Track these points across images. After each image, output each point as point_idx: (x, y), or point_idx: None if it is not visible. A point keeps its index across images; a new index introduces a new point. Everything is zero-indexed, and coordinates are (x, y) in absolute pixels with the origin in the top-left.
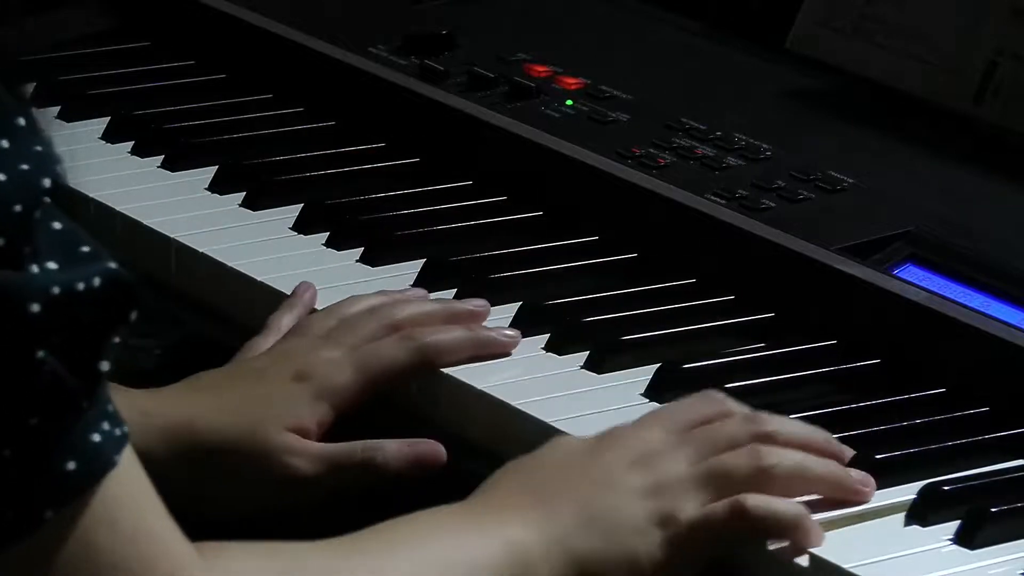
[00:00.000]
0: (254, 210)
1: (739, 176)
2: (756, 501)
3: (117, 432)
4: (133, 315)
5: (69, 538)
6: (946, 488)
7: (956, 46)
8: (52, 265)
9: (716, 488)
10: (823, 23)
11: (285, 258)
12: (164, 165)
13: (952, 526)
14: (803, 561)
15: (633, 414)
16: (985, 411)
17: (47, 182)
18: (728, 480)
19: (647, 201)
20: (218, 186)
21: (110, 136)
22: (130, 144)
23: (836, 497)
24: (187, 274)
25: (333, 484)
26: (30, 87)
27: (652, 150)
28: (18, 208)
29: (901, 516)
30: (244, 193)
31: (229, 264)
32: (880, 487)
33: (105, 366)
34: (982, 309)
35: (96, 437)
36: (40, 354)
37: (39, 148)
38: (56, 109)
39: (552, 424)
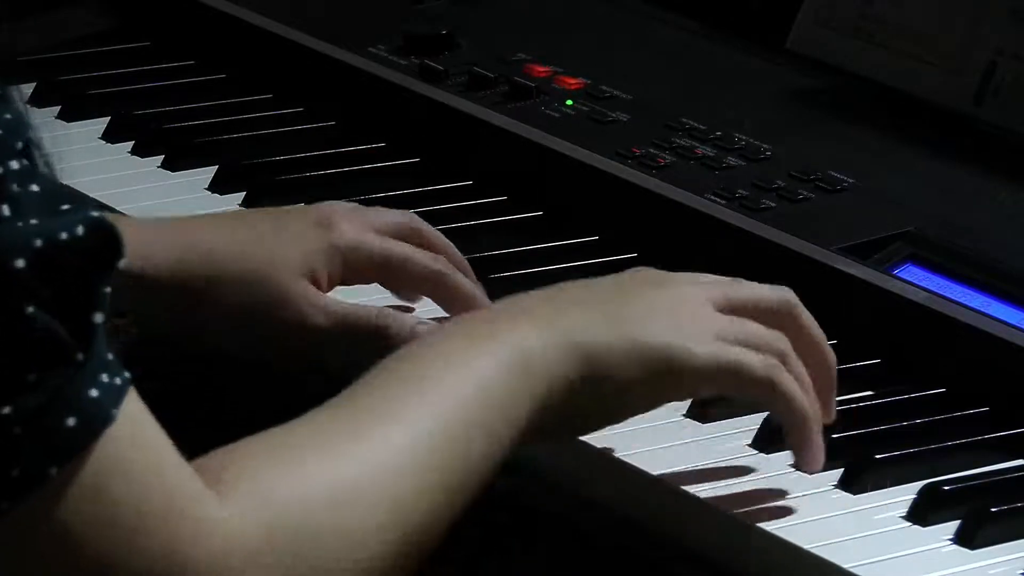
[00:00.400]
0: None
1: (739, 176)
2: (790, 379)
3: (118, 381)
4: (119, 262)
5: (78, 492)
6: (946, 488)
7: (956, 46)
8: (33, 221)
9: (739, 314)
10: (823, 23)
11: None
12: (164, 165)
13: (952, 526)
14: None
15: None
16: (985, 411)
17: (20, 145)
18: (755, 306)
19: (647, 201)
20: (218, 186)
21: (110, 136)
22: (130, 144)
23: (795, 437)
24: None
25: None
26: (30, 86)
27: (652, 150)
28: None
29: (901, 516)
30: (244, 193)
31: None
32: (880, 487)
33: (99, 318)
34: (982, 309)
35: (94, 392)
36: (30, 309)
37: (9, 116)
38: (56, 109)
39: None
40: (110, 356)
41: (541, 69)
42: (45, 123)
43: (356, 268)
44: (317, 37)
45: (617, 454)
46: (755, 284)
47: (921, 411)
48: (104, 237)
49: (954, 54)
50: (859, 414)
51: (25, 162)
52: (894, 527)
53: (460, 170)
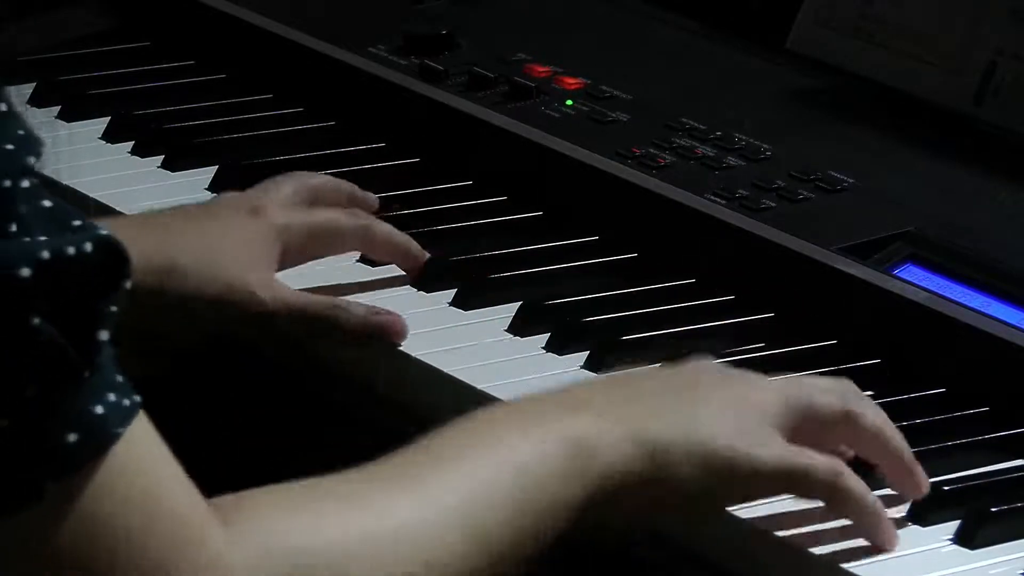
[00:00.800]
0: None
1: (739, 176)
2: (854, 479)
3: (126, 403)
4: (126, 283)
5: (73, 510)
6: (946, 488)
7: (956, 46)
8: (42, 237)
9: (798, 422)
10: (823, 23)
11: None
12: (164, 165)
13: (952, 526)
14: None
15: None
16: (985, 411)
17: (31, 160)
18: (813, 415)
19: (647, 201)
20: (218, 186)
21: (110, 136)
22: (130, 144)
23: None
24: None
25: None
26: (30, 86)
27: (652, 150)
28: (7, 183)
29: (901, 516)
30: None
31: None
32: (880, 487)
33: (104, 335)
34: (982, 309)
35: (99, 408)
36: (35, 321)
37: (21, 132)
38: (56, 109)
39: None
40: (120, 378)
41: (541, 69)
42: (45, 123)
43: (294, 246)
44: (317, 37)
45: None
46: (814, 382)
47: (921, 411)
48: (112, 255)
49: (954, 54)
50: None
51: (35, 180)
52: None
53: (460, 170)
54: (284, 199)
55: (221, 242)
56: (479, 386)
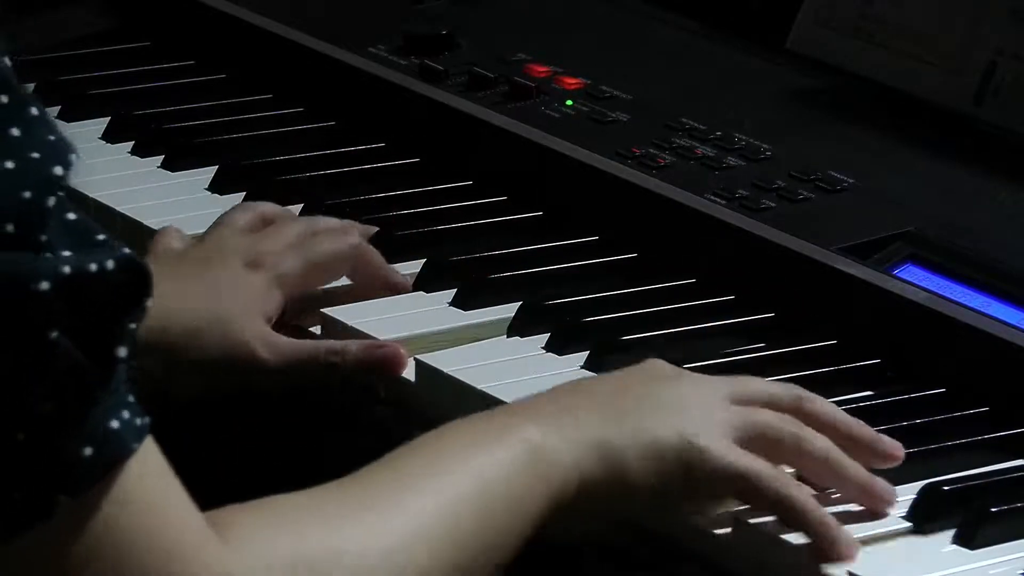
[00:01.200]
0: None
1: (739, 176)
2: (800, 488)
3: (138, 422)
4: (148, 302)
5: (86, 524)
6: (946, 488)
7: (956, 46)
8: (66, 253)
9: (748, 439)
10: (823, 23)
11: None
12: (164, 165)
13: (952, 526)
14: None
15: None
16: (985, 411)
17: (59, 170)
18: (763, 436)
19: (647, 201)
20: (218, 186)
21: (110, 136)
22: (130, 144)
23: (858, 501)
24: None
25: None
26: (30, 86)
27: (652, 150)
28: (27, 195)
29: (901, 516)
30: (244, 193)
31: None
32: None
33: (123, 352)
34: (982, 309)
35: (115, 424)
36: (53, 335)
37: (51, 138)
38: (56, 109)
39: None
40: (131, 398)
41: (541, 69)
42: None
43: (293, 288)
44: (317, 37)
45: None
46: (763, 381)
47: (921, 411)
48: (134, 275)
49: (954, 54)
50: (859, 414)
51: (62, 194)
52: (894, 527)
53: (460, 170)
54: (277, 249)
55: (219, 302)
56: (479, 386)
